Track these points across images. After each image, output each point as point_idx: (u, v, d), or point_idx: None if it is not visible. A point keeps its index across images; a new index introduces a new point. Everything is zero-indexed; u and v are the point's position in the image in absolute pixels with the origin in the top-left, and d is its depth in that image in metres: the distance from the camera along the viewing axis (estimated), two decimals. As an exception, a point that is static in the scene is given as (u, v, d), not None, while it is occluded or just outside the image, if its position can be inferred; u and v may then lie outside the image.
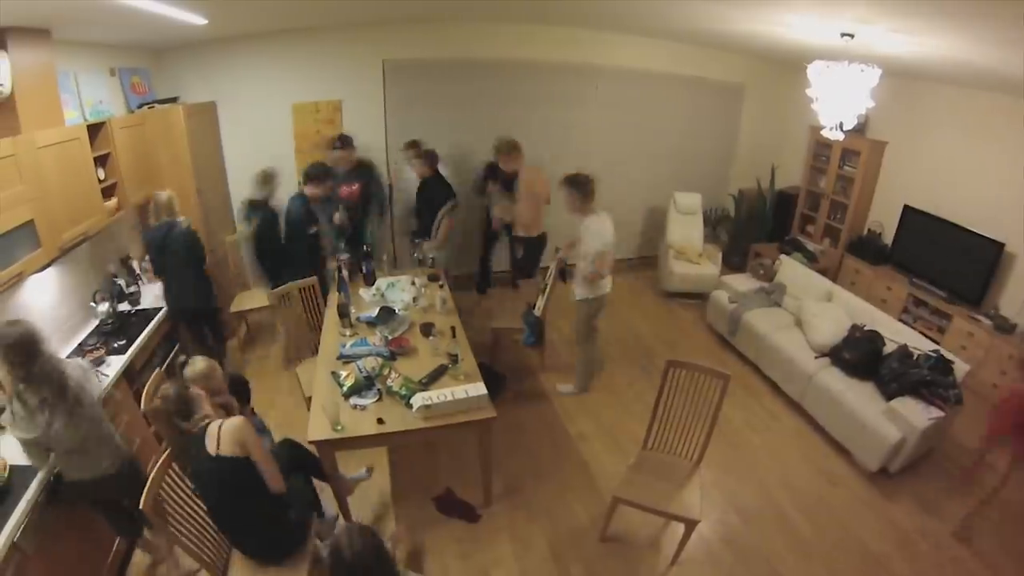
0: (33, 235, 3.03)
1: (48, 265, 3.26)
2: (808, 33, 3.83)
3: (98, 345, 3.61)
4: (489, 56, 5.69)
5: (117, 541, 3.04)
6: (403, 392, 3.11)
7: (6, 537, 2.23)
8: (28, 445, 2.45)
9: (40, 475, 2.53)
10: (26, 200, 2.95)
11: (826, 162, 5.97)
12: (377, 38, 5.43)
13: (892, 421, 3.60)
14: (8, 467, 2.52)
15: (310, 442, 2.90)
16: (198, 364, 2.81)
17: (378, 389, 3.19)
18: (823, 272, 5.37)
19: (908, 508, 3.48)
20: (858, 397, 3.85)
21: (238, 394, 3.10)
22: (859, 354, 4.04)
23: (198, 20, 3.84)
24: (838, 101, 3.77)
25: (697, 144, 6.62)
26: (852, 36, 3.39)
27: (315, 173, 4.55)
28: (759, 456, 3.93)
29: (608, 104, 6.17)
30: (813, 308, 4.62)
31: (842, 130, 4.00)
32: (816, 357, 4.28)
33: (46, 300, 3.55)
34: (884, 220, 5.57)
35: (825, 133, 4.14)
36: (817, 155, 6.11)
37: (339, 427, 2.92)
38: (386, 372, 3.29)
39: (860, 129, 5.40)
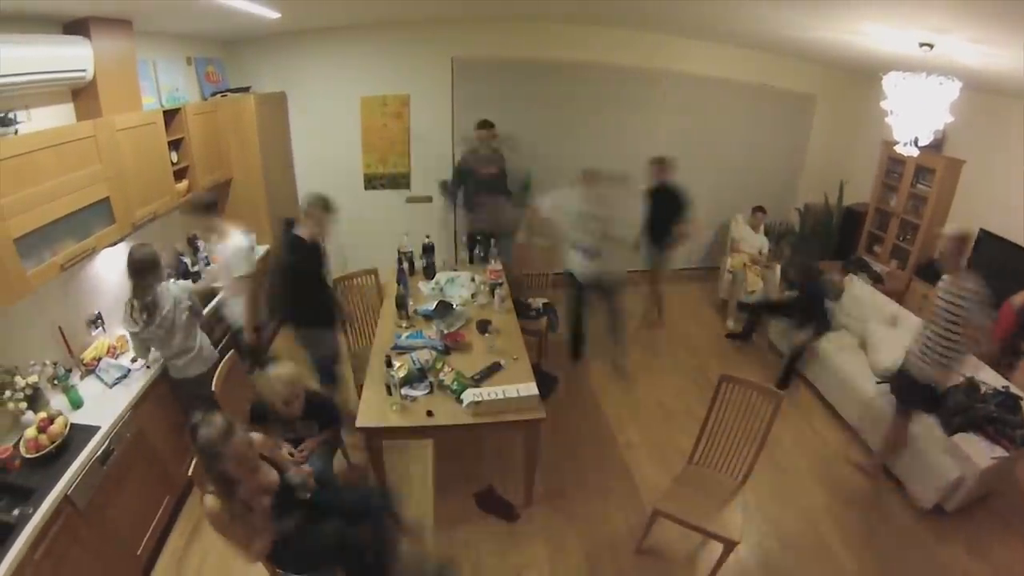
0: (108, 212, 3.22)
1: (120, 241, 3.45)
2: (885, 42, 3.66)
3: (161, 319, 3.79)
4: (557, 57, 5.68)
5: (164, 503, 3.22)
6: (454, 387, 3.11)
7: (60, 489, 2.37)
8: (133, 338, 3.16)
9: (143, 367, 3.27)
10: (103, 179, 3.13)
11: (898, 179, 5.69)
12: (447, 35, 5.50)
13: (952, 457, 3.39)
14: (69, 425, 2.68)
15: (358, 428, 2.94)
16: (283, 371, 2.78)
17: (430, 382, 3.21)
18: (888, 295, 5.11)
19: (957, 552, 3.26)
20: (918, 428, 3.63)
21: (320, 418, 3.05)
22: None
23: (271, 14, 3.99)
24: (914, 115, 3.63)
25: (764, 154, 6.43)
26: (931, 46, 3.24)
27: None
28: (806, 481, 3.77)
29: (675, 110, 6.07)
30: (880, 331, 4.41)
31: (917, 146, 3.84)
32: (878, 382, 4.07)
33: (117, 272, 3.74)
34: (957, 243, 5.27)
35: (899, 148, 3.97)
36: (889, 171, 5.83)
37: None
38: (439, 366, 3.30)
39: (936, 146, 5.11)
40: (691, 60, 5.86)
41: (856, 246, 6.21)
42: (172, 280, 3.62)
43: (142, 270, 2.99)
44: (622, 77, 5.83)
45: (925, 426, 3.63)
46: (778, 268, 5.91)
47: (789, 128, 6.37)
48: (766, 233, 5.97)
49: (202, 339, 3.36)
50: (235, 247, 3.64)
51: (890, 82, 3.62)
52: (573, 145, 6.05)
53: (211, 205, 3.67)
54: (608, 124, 6.04)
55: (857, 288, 5.05)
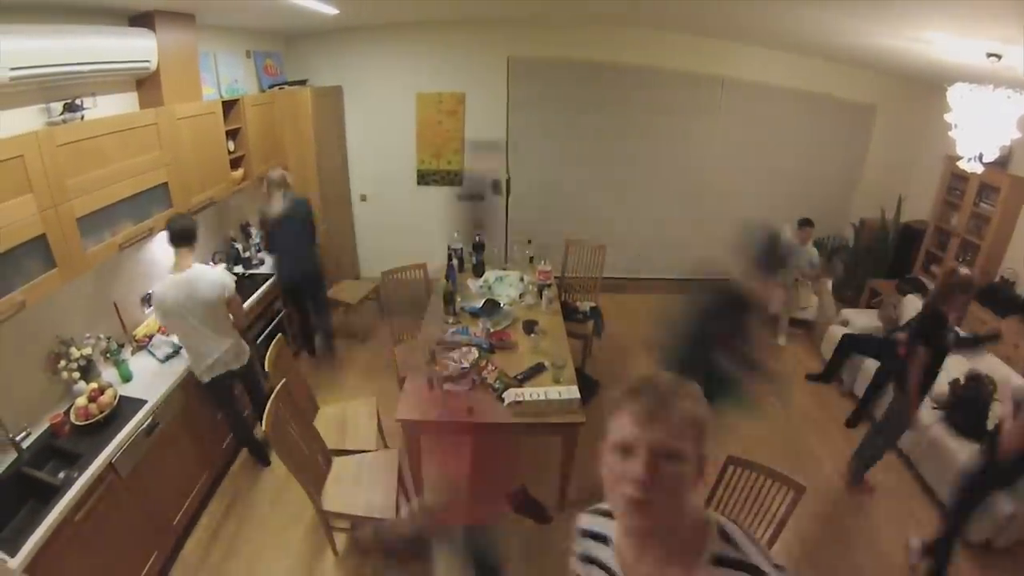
0: (166, 196, 3.39)
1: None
2: (950, 52, 3.50)
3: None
4: (614, 60, 5.63)
5: (203, 478, 3.34)
6: (497, 385, 3.11)
7: (105, 456, 2.51)
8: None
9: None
10: (163, 164, 3.30)
11: (960, 197, 5.40)
12: (503, 35, 5.52)
13: (1008, 492, 3.20)
14: (118, 396, 2.83)
15: (398, 420, 2.98)
16: None
17: (472, 379, 3.20)
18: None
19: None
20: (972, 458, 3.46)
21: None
22: (963, 418, 3.65)
23: (330, 10, 4.09)
24: (980, 129, 3.44)
25: (820, 166, 6.21)
26: (999, 57, 3.07)
27: None
28: (847, 508, 3.60)
29: (731, 117, 5.95)
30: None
31: (981, 162, 3.66)
32: (932, 407, 3.88)
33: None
34: (1020, 268, 4.98)
35: (962, 164, 3.78)
36: (951, 188, 5.53)
37: None
38: (483, 363, 3.30)
39: (1002, 163, 4.80)
40: (749, 67, 5.72)
41: (912, 265, 5.94)
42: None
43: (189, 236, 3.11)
44: (679, 82, 5.75)
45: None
46: (829, 283, 5.73)
47: (847, 139, 6.14)
48: (815, 246, 5.79)
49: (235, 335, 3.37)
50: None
51: (955, 94, 3.45)
52: (627, 148, 6.03)
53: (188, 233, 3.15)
54: (663, 128, 5.96)
55: (915, 311, 4.82)
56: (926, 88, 5.30)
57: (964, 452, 3.46)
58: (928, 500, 3.65)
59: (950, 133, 3.66)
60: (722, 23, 4.88)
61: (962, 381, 3.79)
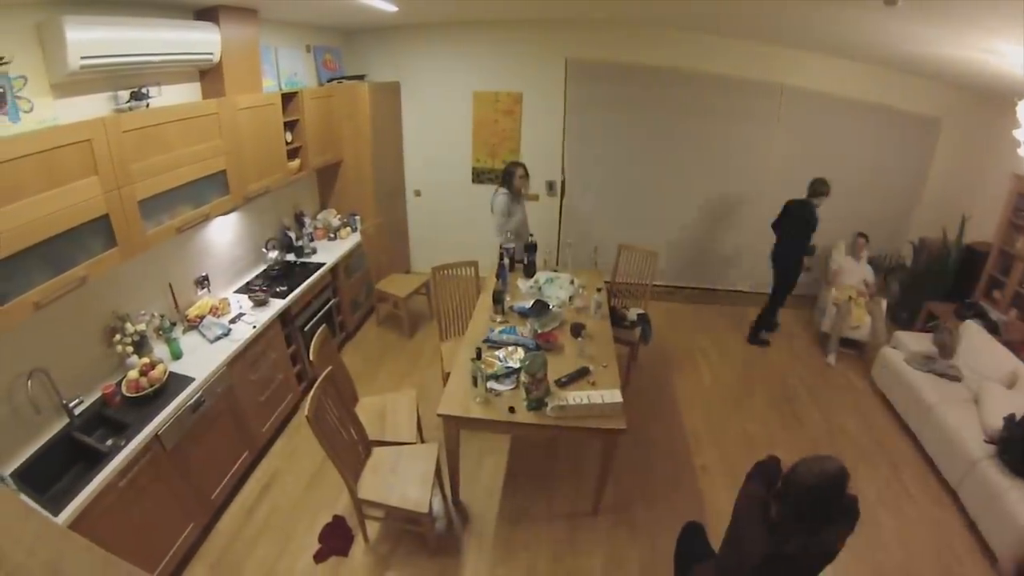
0: (224, 183, 3.53)
1: (232, 210, 3.78)
2: (1019, 64, 3.32)
3: (263, 287, 4.08)
4: (672, 64, 5.57)
5: (243, 457, 3.47)
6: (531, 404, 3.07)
7: (152, 428, 2.64)
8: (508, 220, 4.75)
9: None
10: (222, 152, 3.44)
11: (1028, 219, 5.10)
12: (561, 36, 5.52)
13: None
14: (168, 372, 2.97)
15: (439, 415, 3.00)
16: None
17: (516, 378, 3.19)
18: (1004, 346, 4.59)
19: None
20: (1020, 497, 3.25)
21: None
22: (1017, 455, 3.42)
23: (390, 8, 4.18)
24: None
25: (879, 180, 5.96)
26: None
27: None
28: (886, 538, 3.45)
29: (788, 126, 5.79)
30: (995, 390, 3.96)
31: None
32: (985, 441, 3.67)
33: (226, 239, 4.10)
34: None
35: (1030, 183, 3.59)
36: (1017, 209, 5.18)
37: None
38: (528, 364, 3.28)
39: (1074, 183, 4.55)
40: (810, 75, 5.55)
41: (973, 289, 5.64)
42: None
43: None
44: (738, 89, 5.64)
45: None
46: (884, 303, 5.50)
47: (909, 153, 5.86)
48: (869, 262, 5.58)
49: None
50: None
51: (1025, 109, 3.29)
52: (683, 155, 5.97)
53: None
54: (719, 136, 5.86)
55: (976, 337, 4.60)
56: (995, 102, 5.04)
57: (1016, 490, 3.29)
58: (972, 536, 3.48)
59: (1019, 150, 3.48)
60: (785, 29, 4.76)
61: (1019, 417, 3.58)
